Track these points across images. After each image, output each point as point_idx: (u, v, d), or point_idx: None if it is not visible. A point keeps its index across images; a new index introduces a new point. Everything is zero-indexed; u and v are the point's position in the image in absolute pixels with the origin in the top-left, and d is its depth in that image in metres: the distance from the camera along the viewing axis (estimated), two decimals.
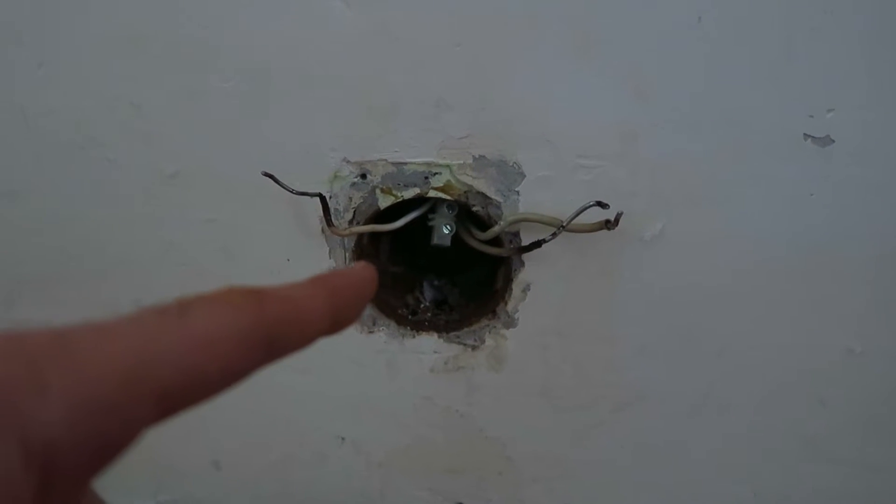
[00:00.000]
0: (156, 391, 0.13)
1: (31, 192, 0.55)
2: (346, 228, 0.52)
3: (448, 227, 0.54)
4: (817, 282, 0.52)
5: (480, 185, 0.51)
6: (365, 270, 0.19)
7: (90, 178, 0.53)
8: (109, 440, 0.13)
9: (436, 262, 0.64)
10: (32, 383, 0.12)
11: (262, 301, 0.15)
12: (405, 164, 0.51)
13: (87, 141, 0.52)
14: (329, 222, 0.51)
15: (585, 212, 0.48)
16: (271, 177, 0.48)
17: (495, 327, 0.56)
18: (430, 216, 0.55)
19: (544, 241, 0.49)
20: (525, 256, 0.53)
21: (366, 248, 0.58)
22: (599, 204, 0.47)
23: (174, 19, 0.48)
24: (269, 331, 0.15)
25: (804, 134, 0.47)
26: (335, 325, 0.17)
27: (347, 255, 0.55)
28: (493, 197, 0.51)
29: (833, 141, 0.47)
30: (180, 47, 0.48)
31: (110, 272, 0.57)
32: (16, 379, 0.12)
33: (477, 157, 0.50)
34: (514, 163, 0.50)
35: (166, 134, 0.51)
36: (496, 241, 0.53)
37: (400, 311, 0.59)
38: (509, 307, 0.55)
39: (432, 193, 0.52)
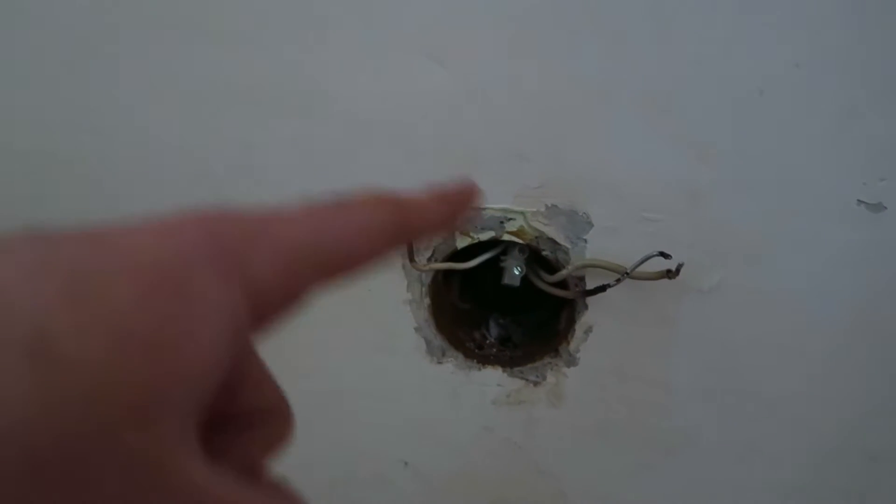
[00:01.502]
0: (323, 264, 0.18)
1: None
2: (425, 265, 0.57)
3: (519, 268, 0.59)
4: (869, 341, 0.55)
5: (551, 231, 0.55)
6: (471, 188, 0.23)
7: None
8: (294, 293, 0.17)
9: (502, 301, 0.69)
10: (248, 245, 0.16)
11: (400, 207, 0.20)
12: (483, 209, 0.56)
13: (204, 177, 0.59)
14: (411, 258, 0.56)
15: (648, 261, 0.52)
16: None
17: (557, 365, 0.60)
18: (502, 258, 0.59)
19: (609, 285, 0.54)
20: (589, 300, 0.57)
21: (440, 283, 0.63)
22: (662, 254, 0.51)
23: (286, 72, 0.54)
24: (404, 229, 0.20)
25: (858, 200, 0.51)
26: (447, 229, 0.22)
27: (424, 288, 0.60)
28: (562, 243, 0.56)
29: (885, 207, 0.51)
30: (290, 97, 0.55)
31: None
32: (236, 240, 0.16)
33: (549, 205, 0.55)
34: (584, 213, 0.55)
35: (272, 171, 0.57)
36: (563, 284, 0.57)
37: (467, 345, 0.64)
38: (571, 347, 0.59)
39: (506, 237, 0.56)
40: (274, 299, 0.17)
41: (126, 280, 0.14)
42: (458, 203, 0.22)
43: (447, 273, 0.64)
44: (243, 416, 0.19)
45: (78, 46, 0.56)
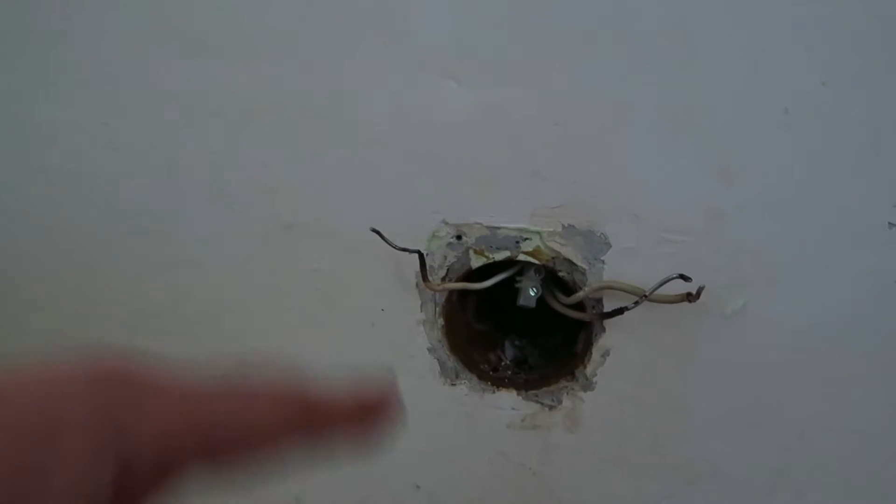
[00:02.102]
0: (210, 448, 0.17)
1: (160, 233, 0.62)
2: (439, 284, 0.57)
3: (534, 289, 0.57)
4: None
5: (568, 252, 0.54)
6: (392, 396, 0.21)
7: (216, 224, 0.60)
8: (170, 464, 0.17)
9: (518, 322, 0.67)
10: (136, 405, 0.16)
11: (308, 407, 0.19)
12: (499, 228, 0.55)
13: (219, 192, 0.58)
14: (425, 277, 0.55)
15: (668, 284, 0.50)
16: (378, 232, 0.53)
17: (573, 389, 0.59)
18: (517, 278, 0.58)
19: (627, 308, 0.52)
20: (606, 322, 0.56)
21: (454, 303, 0.62)
22: (682, 277, 0.49)
23: (303, 91, 0.54)
24: (307, 430, 0.19)
25: (889, 223, 0.49)
26: (358, 445, 0.20)
27: (437, 308, 0.59)
28: (579, 264, 0.54)
29: None
30: (306, 116, 0.55)
31: (222, 311, 0.63)
32: (126, 397, 0.16)
33: (566, 225, 0.54)
34: (602, 233, 0.53)
35: (288, 189, 0.57)
36: (579, 306, 0.56)
37: (482, 367, 0.62)
38: (588, 370, 0.58)
39: (522, 257, 0.55)
40: (151, 458, 0.16)
41: None
42: (374, 414, 0.20)
43: (462, 293, 0.63)
44: None
45: (96, 63, 0.56)
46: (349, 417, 0.20)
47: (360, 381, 0.20)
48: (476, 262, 0.57)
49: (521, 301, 0.58)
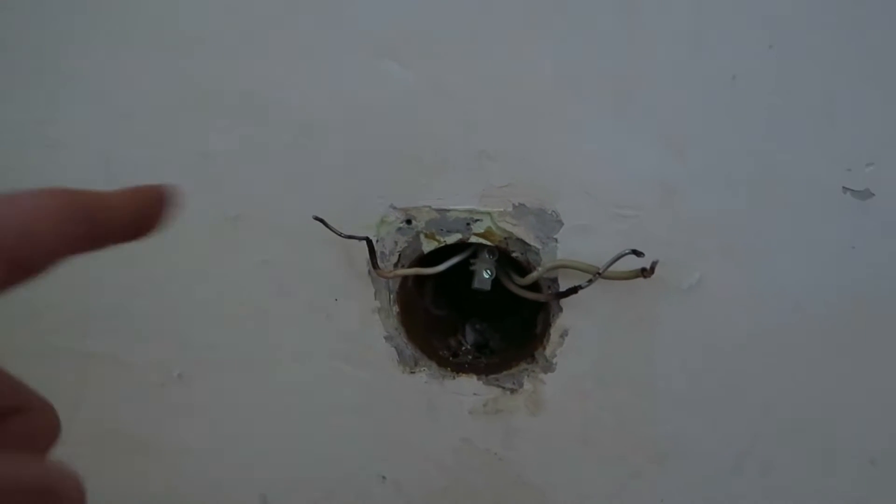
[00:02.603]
0: (5, 253, 0.17)
1: None
2: (391, 271, 0.55)
3: (488, 271, 0.56)
4: (861, 336, 0.52)
5: (520, 231, 0.53)
6: (163, 187, 0.22)
7: None
8: None
9: (478, 306, 0.66)
10: None
11: (77, 192, 0.19)
12: (448, 210, 0.53)
13: None
14: (375, 265, 0.54)
15: (622, 260, 0.49)
16: (322, 221, 0.52)
17: (534, 371, 0.58)
18: (471, 261, 0.57)
19: (581, 287, 0.51)
20: (563, 302, 0.55)
21: (410, 290, 0.60)
22: (635, 252, 0.48)
23: (240, 78, 0.52)
24: (86, 210, 0.19)
25: (843, 187, 0.48)
26: (139, 223, 0.21)
27: (392, 296, 0.57)
28: (531, 243, 0.53)
29: (873, 194, 0.48)
30: (244, 103, 0.53)
31: (173, 307, 0.61)
32: None
33: (517, 205, 0.52)
34: (553, 211, 0.52)
35: (229, 180, 0.55)
36: (535, 287, 0.54)
37: (441, 353, 0.61)
38: (547, 352, 0.56)
39: (474, 239, 0.54)
40: None
41: None
42: (148, 196, 0.21)
43: (419, 279, 0.62)
44: None
45: (27, 59, 0.54)
46: (123, 197, 0.20)
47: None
48: (428, 246, 0.55)
49: (476, 284, 0.57)
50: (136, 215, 0.21)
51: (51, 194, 0.18)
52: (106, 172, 0.58)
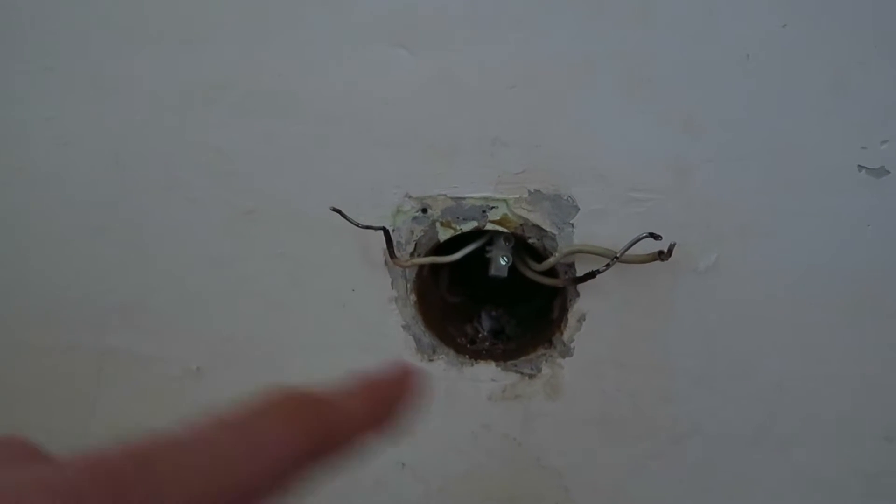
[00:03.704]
0: (229, 496, 0.15)
1: (119, 228, 0.60)
2: (407, 260, 0.55)
3: (505, 258, 0.56)
4: (878, 314, 0.52)
5: (536, 218, 0.53)
6: (405, 375, 0.19)
7: (174, 214, 0.58)
8: None
9: (494, 293, 0.66)
10: (148, 489, 0.14)
11: (315, 414, 0.17)
12: (464, 198, 0.53)
13: (172, 182, 0.57)
14: (392, 254, 0.54)
15: (639, 243, 0.49)
16: (339, 212, 0.52)
17: (551, 356, 0.58)
18: (487, 248, 0.57)
19: (598, 271, 0.51)
20: (580, 287, 0.55)
21: (426, 278, 0.60)
22: (652, 235, 0.48)
23: (252, 70, 0.52)
24: (320, 445, 0.17)
25: (858, 165, 0.48)
26: (377, 431, 0.19)
27: (409, 285, 0.58)
28: (548, 229, 0.53)
29: (888, 172, 0.48)
30: (257, 95, 0.53)
31: (190, 302, 0.61)
32: (134, 486, 0.13)
33: (532, 191, 0.52)
34: (569, 196, 0.52)
35: (244, 174, 0.55)
36: (552, 273, 0.55)
37: (459, 340, 0.61)
38: (565, 337, 0.57)
39: (490, 226, 0.54)
40: None
41: None
42: (389, 396, 0.18)
43: (434, 267, 0.62)
44: None
45: (35, 56, 0.54)
46: (367, 408, 0.18)
47: (366, 375, 0.18)
48: (444, 234, 0.55)
49: (493, 271, 0.57)
50: (371, 425, 0.18)
51: (288, 425, 0.16)
52: (116, 167, 0.58)
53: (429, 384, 0.17)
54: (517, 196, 0.53)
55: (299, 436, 0.16)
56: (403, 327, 0.59)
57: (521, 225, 0.53)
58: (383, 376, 0.18)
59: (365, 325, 0.59)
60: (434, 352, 0.60)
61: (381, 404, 0.18)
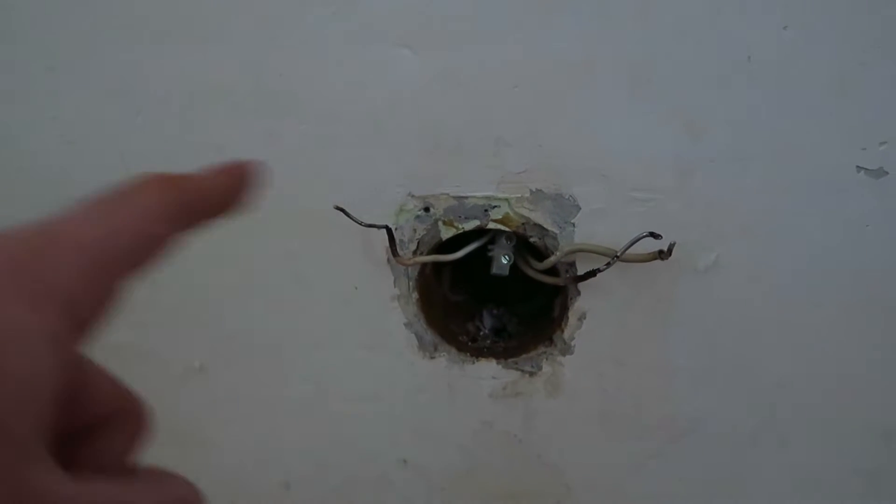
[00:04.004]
0: (121, 254, 0.18)
1: None
2: (410, 258, 0.56)
3: (506, 257, 0.57)
4: (877, 314, 0.52)
5: (537, 217, 0.53)
6: (248, 163, 0.23)
7: None
8: (103, 289, 0.18)
9: (495, 291, 0.67)
10: (44, 253, 0.16)
11: (176, 183, 0.20)
12: (466, 197, 0.54)
13: None
14: (394, 252, 0.54)
15: (640, 242, 0.50)
16: (342, 210, 0.52)
17: (552, 354, 0.58)
18: (489, 247, 0.57)
19: (599, 270, 0.51)
20: (581, 286, 0.55)
21: (428, 276, 0.61)
22: (652, 234, 0.49)
23: (255, 70, 0.53)
24: (187, 204, 0.20)
25: (857, 166, 0.48)
26: (228, 200, 0.22)
27: (411, 283, 0.58)
28: (549, 228, 0.53)
29: (887, 173, 0.48)
30: (259, 95, 0.53)
31: (194, 298, 0.62)
32: (30, 253, 0.16)
33: (534, 190, 0.53)
34: (570, 196, 0.52)
35: None
36: (553, 271, 0.55)
37: (460, 338, 0.62)
38: (566, 335, 0.57)
39: (492, 225, 0.54)
40: (86, 303, 0.17)
41: None
42: (237, 174, 0.22)
43: (437, 266, 0.63)
44: (96, 423, 0.20)
45: (39, 56, 0.54)
46: (216, 179, 0.21)
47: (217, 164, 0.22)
48: (446, 233, 0.56)
49: (495, 269, 0.57)
50: (226, 194, 0.21)
51: (156, 193, 0.19)
52: (122, 167, 0.58)
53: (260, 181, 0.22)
54: (519, 195, 0.53)
55: (169, 199, 0.19)
56: (405, 325, 0.60)
57: (523, 224, 0.54)
58: (232, 164, 0.22)
59: (367, 322, 0.60)
60: (436, 349, 0.60)
61: (231, 180, 0.22)
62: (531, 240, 0.55)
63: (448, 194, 0.54)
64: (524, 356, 0.59)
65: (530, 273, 0.56)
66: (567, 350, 0.58)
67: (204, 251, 0.60)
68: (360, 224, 0.53)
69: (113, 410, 0.20)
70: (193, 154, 0.56)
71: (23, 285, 0.15)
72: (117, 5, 0.52)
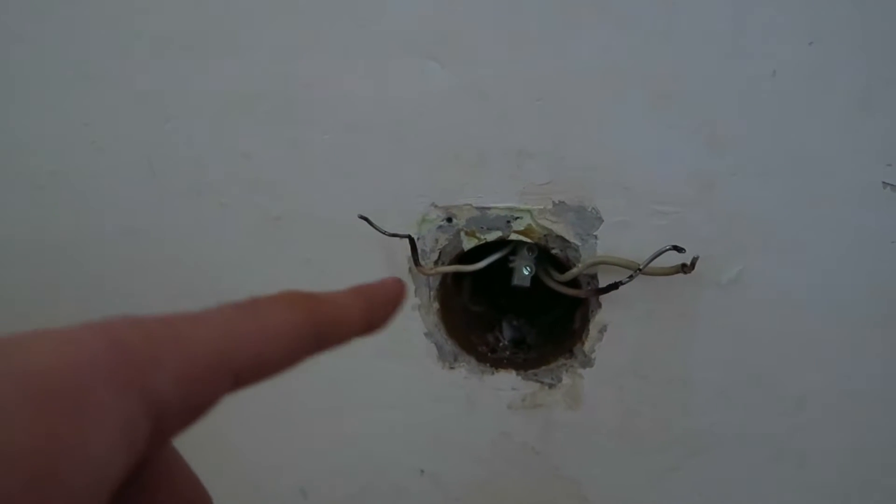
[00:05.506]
0: (234, 369, 0.17)
1: (150, 231, 0.61)
2: (431, 268, 0.56)
3: (528, 268, 0.57)
4: None
5: (560, 229, 0.54)
6: (396, 284, 0.22)
7: (205, 219, 0.59)
8: (200, 403, 0.16)
9: (515, 302, 0.67)
10: (151, 353, 0.15)
11: (316, 303, 0.19)
12: (488, 208, 0.54)
13: (204, 187, 0.58)
14: (416, 262, 0.55)
15: (662, 256, 0.50)
16: (366, 219, 0.53)
17: (572, 366, 0.58)
18: (510, 258, 0.58)
19: (621, 283, 0.51)
20: (602, 298, 0.55)
21: (449, 287, 0.61)
22: (675, 248, 0.49)
23: (282, 80, 0.53)
24: (318, 328, 0.19)
25: (883, 182, 0.48)
26: (369, 327, 0.21)
27: (432, 293, 0.58)
28: (571, 240, 0.54)
29: None
30: (286, 104, 0.54)
31: (218, 304, 0.62)
32: (138, 348, 0.15)
33: (557, 202, 0.53)
34: (593, 208, 0.53)
35: (273, 180, 0.57)
36: (574, 283, 0.55)
37: (480, 349, 0.62)
38: (586, 347, 0.57)
39: (514, 236, 0.55)
40: (181, 406, 0.16)
41: (12, 389, 0.13)
42: (380, 299, 0.21)
43: (457, 276, 0.63)
44: None
45: (72, 64, 0.55)
46: (358, 304, 0.20)
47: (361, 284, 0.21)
48: (468, 243, 0.56)
49: (516, 281, 0.57)
50: (366, 322, 0.21)
51: (290, 309, 0.18)
52: (149, 172, 0.59)
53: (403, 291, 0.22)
54: (541, 207, 0.53)
55: (301, 318, 0.18)
56: (426, 335, 0.60)
57: (545, 235, 0.54)
58: (375, 284, 0.21)
59: (388, 331, 0.59)
60: (455, 360, 0.60)
61: (372, 303, 0.21)
62: (553, 251, 0.55)
63: (471, 205, 0.54)
64: (544, 368, 0.59)
65: (551, 285, 0.57)
66: (587, 362, 0.58)
67: (229, 259, 0.61)
68: (383, 233, 0.53)
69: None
70: (220, 160, 0.57)
71: (120, 374, 0.15)
72: (149, 17, 0.53)
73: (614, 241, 0.53)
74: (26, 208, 0.63)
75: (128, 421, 0.14)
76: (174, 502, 0.19)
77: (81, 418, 0.14)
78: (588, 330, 0.57)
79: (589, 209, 0.53)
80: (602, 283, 0.54)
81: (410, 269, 0.57)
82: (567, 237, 0.54)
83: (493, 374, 0.60)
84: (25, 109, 0.58)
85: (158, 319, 0.16)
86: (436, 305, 0.59)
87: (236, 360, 0.17)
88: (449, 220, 0.55)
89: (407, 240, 0.54)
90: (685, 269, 0.50)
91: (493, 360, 0.61)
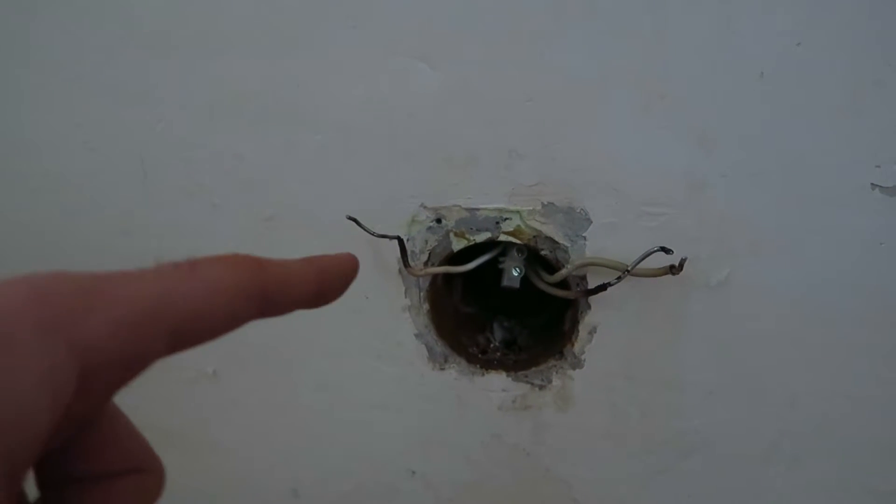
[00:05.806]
0: (170, 326, 0.16)
1: (143, 232, 0.62)
2: (421, 269, 0.56)
3: (517, 269, 0.57)
4: (890, 332, 0.52)
5: (549, 230, 0.54)
6: (350, 259, 0.22)
7: (197, 220, 0.59)
8: (132, 358, 0.16)
9: (506, 303, 0.67)
10: (83, 302, 0.15)
11: (261, 265, 0.18)
12: (478, 209, 0.54)
13: (196, 188, 0.58)
14: (406, 263, 0.55)
15: (651, 257, 0.50)
16: (355, 220, 0.53)
17: (562, 368, 0.58)
18: (500, 259, 0.58)
19: (610, 284, 0.51)
20: (592, 299, 0.55)
21: (439, 288, 0.61)
22: (664, 249, 0.49)
23: (272, 81, 0.54)
24: (264, 290, 0.18)
25: (871, 183, 0.48)
26: (319, 297, 0.20)
27: (422, 294, 0.58)
28: (560, 241, 0.54)
29: None
30: (277, 105, 0.54)
31: None
32: (66, 297, 0.15)
33: (546, 203, 0.53)
34: (582, 209, 0.53)
35: (264, 181, 0.57)
36: (564, 284, 0.55)
37: (470, 350, 0.62)
38: (576, 349, 0.57)
39: (503, 237, 0.55)
40: (113, 358, 0.16)
41: None
42: (333, 271, 0.20)
43: (448, 277, 0.63)
44: (109, 476, 0.19)
45: (68, 62, 0.56)
46: (305, 271, 0.20)
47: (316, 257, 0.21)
48: (457, 244, 0.56)
49: (505, 282, 0.57)
50: (315, 290, 0.20)
51: (232, 267, 0.18)
52: (141, 173, 0.59)
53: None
54: (531, 208, 0.53)
55: (244, 278, 0.18)
56: (416, 336, 0.60)
57: (535, 237, 0.54)
58: (329, 255, 0.21)
59: (378, 332, 0.60)
60: (446, 361, 0.60)
61: (325, 273, 0.20)
62: (542, 252, 0.55)
63: (460, 206, 0.54)
64: (534, 369, 0.59)
65: (541, 286, 0.57)
66: (577, 364, 0.58)
67: None
68: (372, 234, 0.54)
69: (130, 467, 0.19)
70: (211, 161, 0.57)
71: (45, 322, 0.14)
72: (140, 17, 0.54)
73: (603, 242, 0.53)
74: (18, 209, 0.63)
75: (53, 366, 0.14)
76: (123, 466, 0.19)
77: (4, 359, 0.14)
78: (578, 331, 0.57)
79: (578, 210, 0.53)
80: (591, 285, 0.54)
81: (400, 271, 0.57)
82: (556, 238, 0.54)
83: (483, 375, 0.60)
84: (18, 111, 0.58)
85: (91, 274, 0.16)
86: (426, 306, 0.59)
87: (171, 315, 0.16)
88: (438, 220, 0.55)
89: (396, 241, 0.54)
90: (674, 270, 0.50)
91: (483, 361, 0.61)
